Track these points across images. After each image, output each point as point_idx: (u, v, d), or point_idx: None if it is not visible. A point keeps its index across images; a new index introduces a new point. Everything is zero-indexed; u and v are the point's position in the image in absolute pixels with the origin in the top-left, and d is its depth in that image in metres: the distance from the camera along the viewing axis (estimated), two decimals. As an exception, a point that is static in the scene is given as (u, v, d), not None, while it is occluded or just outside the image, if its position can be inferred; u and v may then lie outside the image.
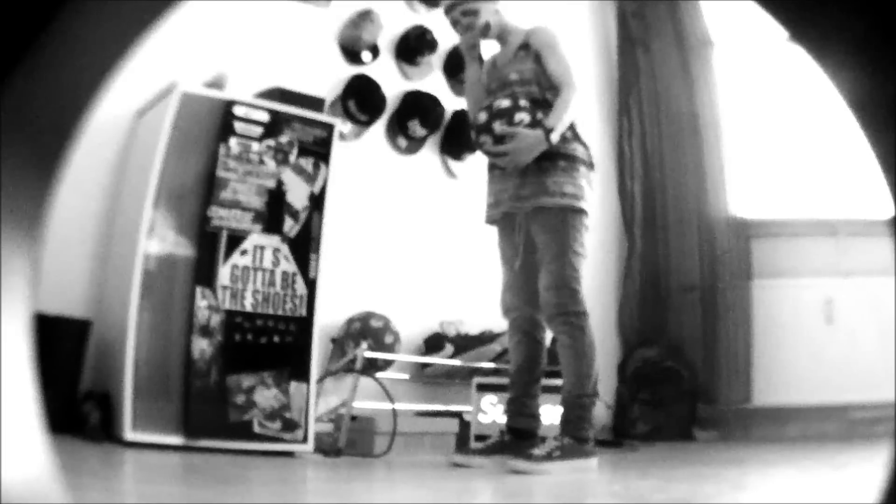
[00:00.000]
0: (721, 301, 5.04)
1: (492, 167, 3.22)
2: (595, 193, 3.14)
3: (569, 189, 3.01)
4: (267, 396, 3.09)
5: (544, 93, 3.08)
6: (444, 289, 4.37)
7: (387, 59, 4.41)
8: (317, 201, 3.30)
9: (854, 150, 4.24)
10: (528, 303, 3.14)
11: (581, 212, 3.03)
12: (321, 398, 3.46)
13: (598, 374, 3.07)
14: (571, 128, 3.07)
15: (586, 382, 3.00)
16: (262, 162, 3.20)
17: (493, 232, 3.30)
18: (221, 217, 3.10)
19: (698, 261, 5.15)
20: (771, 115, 5.17)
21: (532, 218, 3.06)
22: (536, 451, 2.90)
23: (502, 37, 3.26)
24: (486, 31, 3.22)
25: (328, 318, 3.53)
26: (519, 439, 3.12)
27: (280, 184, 3.23)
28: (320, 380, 3.44)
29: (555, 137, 2.96)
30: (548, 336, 3.25)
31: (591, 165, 3.13)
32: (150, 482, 2.24)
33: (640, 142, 5.40)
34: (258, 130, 3.21)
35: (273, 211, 3.20)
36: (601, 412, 4.67)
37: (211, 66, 3.52)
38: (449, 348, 4.10)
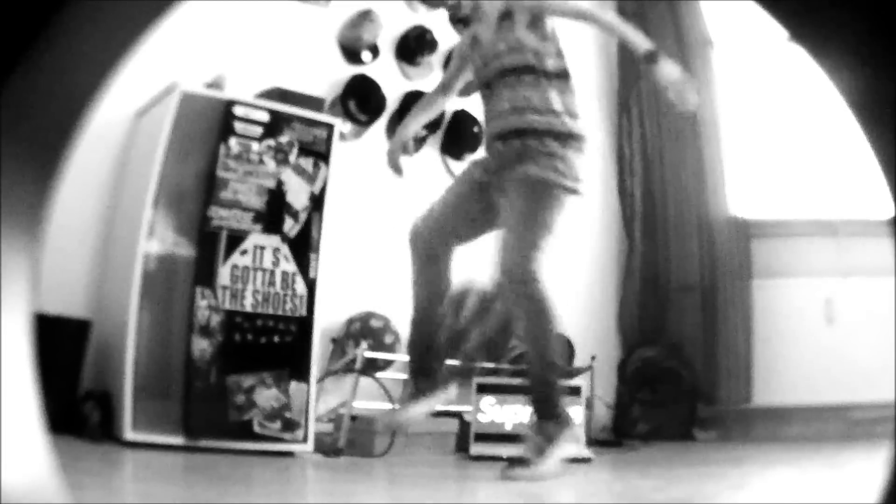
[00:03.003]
0: (721, 301, 5.04)
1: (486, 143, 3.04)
2: (587, 172, 2.90)
3: (559, 166, 2.81)
4: (267, 396, 3.09)
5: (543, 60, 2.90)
6: (444, 289, 4.36)
7: (387, 59, 4.41)
8: (317, 201, 3.30)
9: (854, 150, 4.24)
10: (443, 242, 2.96)
11: (565, 190, 2.82)
12: (321, 398, 3.46)
13: (558, 348, 2.83)
14: (565, 104, 2.89)
15: (546, 351, 2.76)
16: (262, 162, 3.20)
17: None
18: (221, 217, 3.10)
19: (698, 261, 5.15)
20: (771, 115, 5.17)
21: (512, 187, 2.86)
22: (526, 455, 2.71)
23: (478, 13, 3.04)
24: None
25: (328, 318, 3.53)
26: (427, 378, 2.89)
27: (280, 184, 3.23)
28: (320, 380, 3.44)
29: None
30: None
31: (582, 138, 2.90)
32: (150, 482, 2.24)
33: (640, 142, 5.40)
34: (258, 130, 3.21)
35: (273, 211, 3.20)
36: (601, 412, 4.68)
37: (211, 67, 3.52)
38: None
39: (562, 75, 2.91)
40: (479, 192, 2.96)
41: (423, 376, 2.87)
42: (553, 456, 2.69)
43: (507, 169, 2.86)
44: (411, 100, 4.41)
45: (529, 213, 2.79)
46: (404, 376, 4.01)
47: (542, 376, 2.77)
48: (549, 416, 2.75)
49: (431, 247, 2.93)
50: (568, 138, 2.87)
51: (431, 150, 4.58)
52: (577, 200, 2.86)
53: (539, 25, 2.92)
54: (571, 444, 2.76)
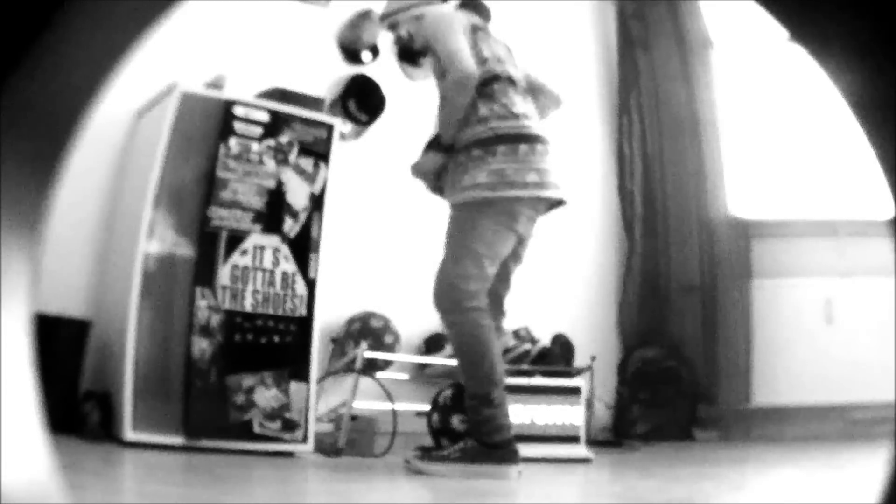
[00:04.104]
0: (721, 301, 5.04)
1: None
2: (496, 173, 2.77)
3: (479, 179, 2.75)
4: (267, 396, 3.09)
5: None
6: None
7: (387, 59, 4.41)
8: (317, 201, 3.30)
9: (854, 150, 4.24)
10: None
11: (488, 203, 2.74)
12: (321, 398, 3.46)
13: (497, 372, 2.74)
14: (489, 105, 2.81)
15: (473, 381, 2.73)
16: (262, 162, 3.20)
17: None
18: (221, 217, 3.10)
19: (698, 261, 5.15)
20: (771, 116, 5.16)
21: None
22: (436, 452, 2.78)
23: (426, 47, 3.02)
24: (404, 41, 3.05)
25: (328, 318, 3.53)
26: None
27: (280, 184, 3.23)
28: (320, 380, 3.44)
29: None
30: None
31: (518, 138, 2.79)
32: (150, 482, 2.25)
33: (640, 142, 5.40)
34: (258, 130, 3.21)
35: (273, 211, 3.20)
36: (601, 412, 4.67)
37: (211, 67, 3.52)
38: (449, 348, 4.09)
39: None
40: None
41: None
42: (453, 466, 2.66)
43: (449, 191, 2.90)
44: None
45: (450, 240, 2.84)
46: (404, 376, 4.02)
47: (471, 403, 2.74)
48: (474, 434, 2.72)
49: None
50: (489, 143, 2.79)
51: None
52: (500, 202, 2.75)
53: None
54: (484, 473, 2.65)
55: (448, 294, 2.76)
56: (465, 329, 2.74)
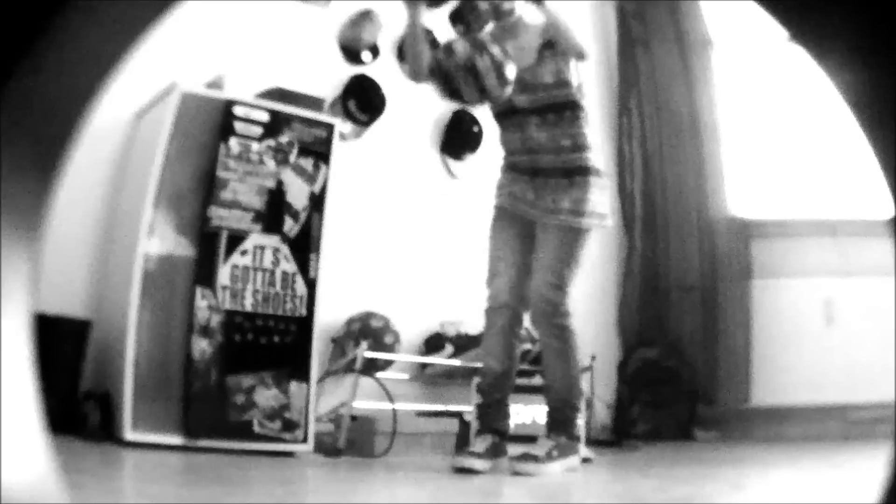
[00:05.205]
0: (721, 301, 5.04)
1: (511, 167, 3.15)
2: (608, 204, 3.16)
3: (590, 207, 3.02)
4: (267, 396, 3.09)
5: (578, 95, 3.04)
6: (444, 289, 4.37)
7: (387, 59, 4.41)
8: (317, 201, 3.30)
9: (854, 150, 4.24)
10: (519, 302, 3.09)
11: (593, 227, 3.07)
12: (321, 398, 3.46)
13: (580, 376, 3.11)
14: (584, 135, 3.05)
15: (575, 385, 3.02)
16: (262, 162, 3.20)
17: (490, 217, 3.21)
18: (221, 217, 3.10)
19: (698, 261, 5.15)
20: (771, 116, 5.17)
21: (546, 226, 3.04)
22: (537, 452, 2.88)
23: (513, 30, 3.07)
24: (502, 14, 3.05)
25: (328, 318, 3.53)
26: (502, 439, 3.09)
27: (280, 184, 3.23)
28: (320, 380, 3.44)
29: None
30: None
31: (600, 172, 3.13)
32: (150, 482, 2.25)
33: (640, 142, 5.40)
34: (258, 130, 3.21)
35: (273, 211, 3.20)
36: (601, 412, 4.68)
37: (211, 67, 3.52)
38: (449, 348, 4.10)
39: (582, 108, 3.06)
40: (526, 233, 3.10)
41: (499, 431, 3.10)
42: (560, 463, 2.90)
43: (546, 208, 3.03)
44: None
45: (563, 252, 3.00)
46: (404, 376, 4.02)
47: (569, 401, 3.02)
48: (564, 433, 2.99)
49: (516, 314, 3.10)
50: (596, 174, 3.07)
51: (431, 149, 4.58)
52: (598, 232, 3.12)
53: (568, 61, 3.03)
54: (575, 458, 3.00)
55: (561, 306, 2.98)
56: (573, 341, 3.00)
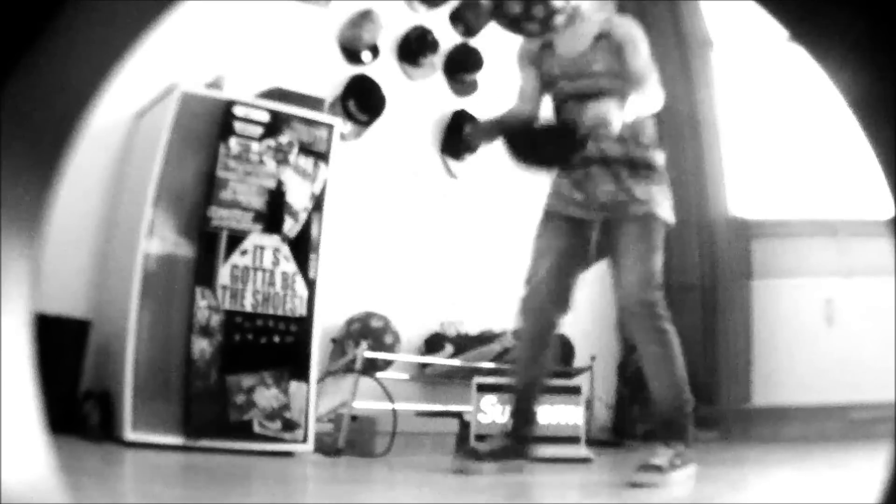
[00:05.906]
0: (721, 301, 5.03)
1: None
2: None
3: (658, 197, 2.88)
4: (267, 396, 3.09)
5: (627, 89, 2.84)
6: (444, 289, 4.37)
7: (387, 59, 4.41)
8: (317, 201, 3.30)
9: (854, 150, 4.24)
10: (558, 306, 2.99)
11: (666, 221, 2.91)
12: (321, 398, 3.46)
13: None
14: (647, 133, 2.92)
15: (684, 387, 2.90)
16: (262, 162, 3.20)
17: (538, 222, 3.08)
18: (221, 217, 3.10)
19: (698, 261, 5.15)
20: (771, 116, 5.16)
21: (619, 222, 2.91)
22: (659, 462, 2.72)
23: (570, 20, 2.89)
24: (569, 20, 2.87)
25: (328, 318, 3.53)
26: (521, 444, 2.98)
27: (280, 184, 3.23)
28: (320, 380, 3.44)
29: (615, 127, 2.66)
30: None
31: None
32: (150, 482, 2.24)
33: (640, 142, 5.39)
34: (258, 130, 3.21)
35: (273, 211, 3.20)
36: (601, 412, 4.68)
37: (211, 67, 3.52)
38: (449, 348, 4.09)
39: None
40: (579, 235, 2.99)
41: (524, 438, 2.95)
42: (682, 471, 2.75)
43: (616, 204, 2.87)
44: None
45: (648, 248, 2.85)
46: (404, 376, 4.02)
47: (681, 408, 2.92)
48: (681, 440, 2.85)
49: (549, 318, 2.96)
50: (658, 169, 2.93)
51: (431, 149, 4.58)
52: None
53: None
54: (693, 467, 2.83)
55: (656, 306, 2.82)
56: (675, 342, 2.86)
